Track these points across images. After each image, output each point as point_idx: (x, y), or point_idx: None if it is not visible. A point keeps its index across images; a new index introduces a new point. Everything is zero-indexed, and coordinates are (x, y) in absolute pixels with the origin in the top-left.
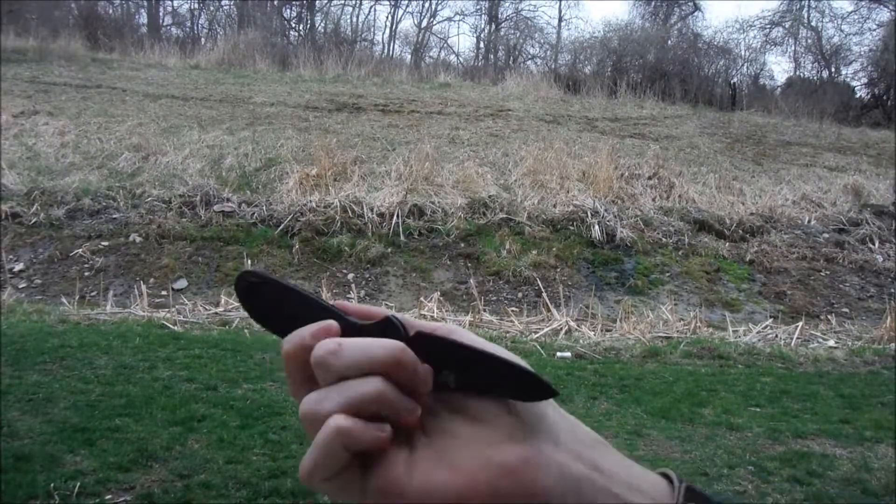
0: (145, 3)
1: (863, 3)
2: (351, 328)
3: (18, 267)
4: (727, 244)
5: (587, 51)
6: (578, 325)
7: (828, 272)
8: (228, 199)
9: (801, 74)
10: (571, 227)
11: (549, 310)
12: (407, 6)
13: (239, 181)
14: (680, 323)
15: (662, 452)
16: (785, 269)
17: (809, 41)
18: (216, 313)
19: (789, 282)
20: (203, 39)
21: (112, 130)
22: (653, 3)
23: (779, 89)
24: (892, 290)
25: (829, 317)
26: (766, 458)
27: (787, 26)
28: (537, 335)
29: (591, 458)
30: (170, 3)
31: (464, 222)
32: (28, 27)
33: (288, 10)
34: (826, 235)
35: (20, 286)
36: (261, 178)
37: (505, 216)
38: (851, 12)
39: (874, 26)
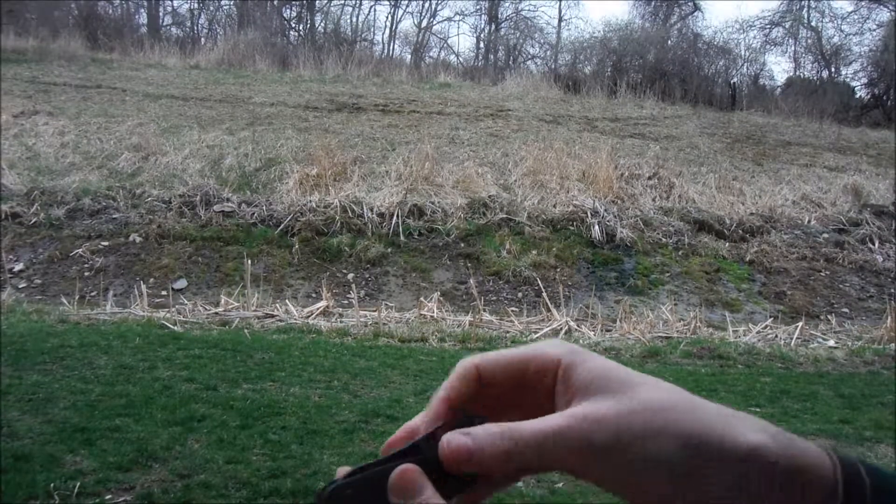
0: (145, 3)
1: (863, 3)
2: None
3: (18, 267)
4: (727, 244)
5: (587, 51)
6: (578, 325)
7: (828, 272)
8: (228, 199)
9: (801, 74)
10: (571, 227)
11: (549, 310)
12: (407, 6)
13: (239, 181)
14: (680, 323)
15: None
16: (785, 269)
17: (809, 41)
18: (216, 313)
19: (789, 282)
20: (203, 39)
21: (112, 130)
22: (653, 3)
23: (779, 89)
24: (892, 290)
25: (829, 317)
26: None
27: (787, 26)
28: (537, 335)
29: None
30: (170, 3)
31: (464, 222)
32: (28, 27)
33: (288, 10)
34: (826, 235)
35: (20, 286)
36: (261, 178)
37: (505, 216)
38: (851, 12)
39: (874, 26)
